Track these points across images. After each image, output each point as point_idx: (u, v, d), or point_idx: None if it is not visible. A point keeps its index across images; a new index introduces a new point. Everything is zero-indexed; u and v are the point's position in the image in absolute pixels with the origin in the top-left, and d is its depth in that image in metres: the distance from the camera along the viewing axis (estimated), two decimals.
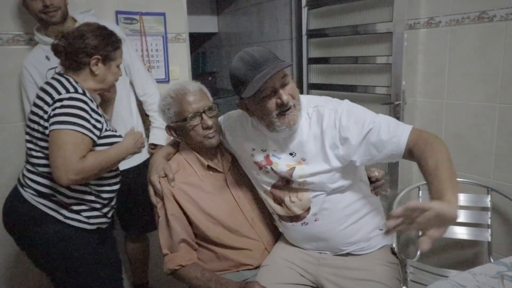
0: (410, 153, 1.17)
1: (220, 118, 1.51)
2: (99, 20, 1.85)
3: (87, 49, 1.41)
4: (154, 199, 1.41)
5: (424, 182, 2.02)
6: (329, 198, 1.31)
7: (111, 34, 1.49)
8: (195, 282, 1.34)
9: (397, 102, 2.14)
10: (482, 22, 1.86)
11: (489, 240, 1.89)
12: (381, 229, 1.40)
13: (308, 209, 1.33)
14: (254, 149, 1.39)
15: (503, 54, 1.82)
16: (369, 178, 1.44)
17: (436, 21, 2.06)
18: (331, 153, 1.25)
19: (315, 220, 1.33)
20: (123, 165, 1.71)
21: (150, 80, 2.09)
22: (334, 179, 1.28)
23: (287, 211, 1.36)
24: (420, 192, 2.03)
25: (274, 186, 1.37)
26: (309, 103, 1.32)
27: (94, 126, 1.39)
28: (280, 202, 1.37)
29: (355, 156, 1.23)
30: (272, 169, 1.34)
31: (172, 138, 1.51)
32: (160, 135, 2.06)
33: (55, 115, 1.33)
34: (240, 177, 1.51)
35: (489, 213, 1.89)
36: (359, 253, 1.36)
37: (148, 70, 2.31)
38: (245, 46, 1.26)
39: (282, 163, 1.33)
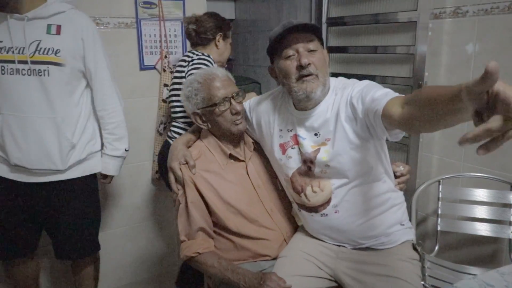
0: (397, 113, 1.01)
1: (245, 104, 1.50)
2: (73, 8, 1.66)
3: (214, 28, 1.98)
4: (174, 186, 1.40)
5: (445, 177, 2.02)
6: (352, 191, 1.28)
7: (224, 18, 2.06)
8: (211, 270, 1.33)
9: None
10: None
11: (510, 237, 1.84)
12: (403, 224, 1.37)
13: (329, 201, 1.31)
14: (281, 130, 1.37)
15: None
16: (394, 173, 1.40)
17: (463, 10, 1.98)
18: (348, 128, 1.23)
19: (335, 212, 1.31)
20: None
21: (114, 95, 1.75)
22: (356, 166, 1.25)
23: (306, 201, 1.34)
24: (441, 186, 1.99)
25: (296, 173, 1.35)
26: (339, 83, 1.31)
27: None
28: (299, 191, 1.35)
29: (368, 127, 1.19)
30: (299, 149, 1.32)
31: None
32: (111, 165, 1.79)
33: (189, 72, 1.81)
34: (260, 166, 1.49)
35: (511, 209, 1.85)
36: (379, 248, 1.33)
37: (166, 56, 2.29)
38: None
39: (307, 144, 1.30)
